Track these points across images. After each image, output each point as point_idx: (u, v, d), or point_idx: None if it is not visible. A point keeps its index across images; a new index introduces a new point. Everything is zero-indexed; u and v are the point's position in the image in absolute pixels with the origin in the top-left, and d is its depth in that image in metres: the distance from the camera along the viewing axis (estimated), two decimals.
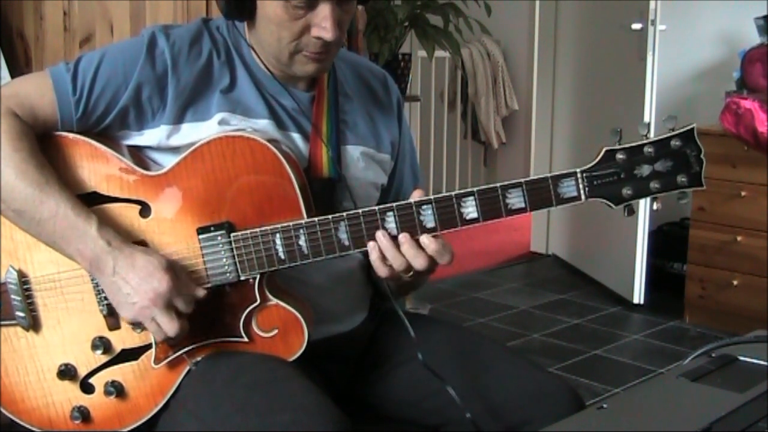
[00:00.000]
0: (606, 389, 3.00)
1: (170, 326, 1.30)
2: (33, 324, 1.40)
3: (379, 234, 1.29)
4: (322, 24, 1.34)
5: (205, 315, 1.34)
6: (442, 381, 1.35)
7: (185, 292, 1.31)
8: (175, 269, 1.31)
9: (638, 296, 3.90)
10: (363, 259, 1.51)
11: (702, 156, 1.24)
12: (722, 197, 3.51)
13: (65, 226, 1.32)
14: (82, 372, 1.40)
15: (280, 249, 1.32)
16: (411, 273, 1.31)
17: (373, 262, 1.31)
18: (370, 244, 1.30)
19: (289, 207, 1.33)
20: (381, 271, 1.31)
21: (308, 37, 1.36)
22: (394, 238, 1.29)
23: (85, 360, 1.40)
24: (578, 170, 1.26)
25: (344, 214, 1.31)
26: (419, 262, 1.29)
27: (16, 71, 2.32)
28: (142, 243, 1.35)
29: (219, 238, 1.34)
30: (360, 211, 1.31)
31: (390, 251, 1.29)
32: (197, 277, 1.35)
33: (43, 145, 1.37)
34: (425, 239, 1.29)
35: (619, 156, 1.25)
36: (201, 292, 1.32)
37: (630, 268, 3.89)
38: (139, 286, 1.29)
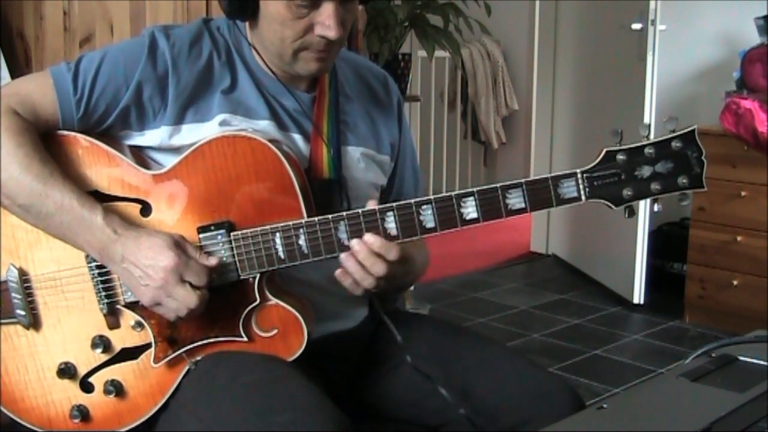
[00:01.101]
0: (606, 389, 3.00)
1: (189, 299, 1.29)
2: (33, 322, 1.40)
3: (343, 256, 1.30)
4: (326, 23, 1.34)
5: (205, 314, 1.33)
6: (432, 381, 1.35)
7: (195, 263, 1.30)
8: (181, 244, 1.31)
9: (638, 296, 3.90)
10: None
11: (703, 157, 1.24)
12: (722, 197, 3.51)
13: (71, 218, 1.32)
14: (82, 371, 1.40)
15: (280, 248, 1.32)
16: (379, 284, 1.31)
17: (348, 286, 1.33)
18: (339, 272, 1.31)
19: (289, 207, 1.33)
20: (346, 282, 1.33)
21: (312, 35, 1.36)
22: (347, 248, 1.30)
23: (85, 359, 1.40)
24: (578, 171, 1.26)
25: (344, 213, 1.31)
26: (378, 269, 1.29)
27: (16, 71, 2.32)
28: None
29: (219, 237, 1.34)
30: (360, 210, 1.31)
31: (348, 262, 1.30)
32: None
33: (45, 144, 1.37)
34: (368, 237, 1.29)
35: (620, 157, 1.25)
36: (212, 261, 1.32)
37: (630, 268, 3.89)
38: (148, 267, 1.29)
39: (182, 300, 1.29)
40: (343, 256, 1.30)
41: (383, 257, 1.29)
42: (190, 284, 1.30)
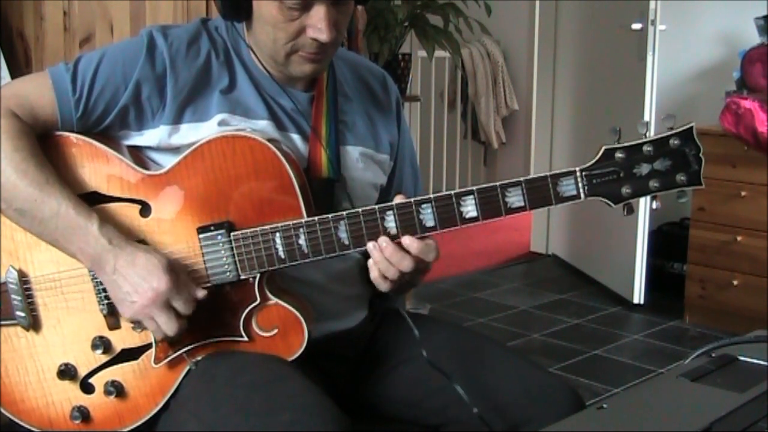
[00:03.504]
0: (606, 389, 3.00)
1: (169, 326, 1.30)
2: (33, 324, 1.40)
3: (370, 245, 1.30)
4: (318, 25, 1.34)
5: (205, 314, 1.34)
6: (449, 379, 1.35)
7: (185, 292, 1.31)
8: (175, 269, 1.31)
9: (638, 296, 3.90)
10: (361, 258, 1.51)
11: (701, 155, 1.24)
12: (722, 197, 3.51)
13: (67, 225, 1.32)
14: (82, 372, 1.40)
15: (280, 248, 1.32)
16: (402, 276, 1.32)
17: (374, 279, 1.33)
18: (371, 263, 1.31)
19: (289, 206, 1.33)
20: (380, 284, 1.33)
21: (304, 37, 1.36)
22: (347, 247, 1.31)
23: (85, 360, 1.40)
24: (577, 169, 1.26)
25: (344, 213, 1.31)
26: (405, 264, 1.30)
27: (16, 71, 2.32)
28: (142, 242, 1.35)
29: (219, 237, 1.34)
30: (360, 210, 1.31)
31: (377, 256, 1.30)
32: (197, 276, 1.35)
33: (44, 145, 1.37)
34: (407, 240, 1.30)
35: (618, 155, 1.25)
36: (200, 293, 1.32)
37: (630, 268, 3.89)
38: (139, 285, 1.29)
39: (162, 325, 1.30)
40: (371, 246, 1.30)
41: (422, 259, 1.31)
42: (175, 311, 1.30)
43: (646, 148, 1.25)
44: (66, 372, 1.40)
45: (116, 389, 1.38)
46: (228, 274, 1.34)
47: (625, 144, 1.25)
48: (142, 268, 1.30)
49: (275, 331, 1.35)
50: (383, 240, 1.30)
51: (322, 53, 1.39)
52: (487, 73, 5.61)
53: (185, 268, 1.34)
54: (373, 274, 1.33)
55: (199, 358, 1.37)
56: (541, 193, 1.27)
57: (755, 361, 1.13)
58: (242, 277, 1.34)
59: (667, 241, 4.01)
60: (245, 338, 1.35)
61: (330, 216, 1.31)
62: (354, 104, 1.52)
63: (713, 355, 1.15)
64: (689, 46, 4.17)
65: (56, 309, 1.40)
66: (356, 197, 1.44)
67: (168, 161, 1.38)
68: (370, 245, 1.30)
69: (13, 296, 1.39)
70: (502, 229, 5.15)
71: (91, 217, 1.32)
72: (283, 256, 1.33)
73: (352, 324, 1.52)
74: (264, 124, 1.42)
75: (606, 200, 1.27)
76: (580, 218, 4.49)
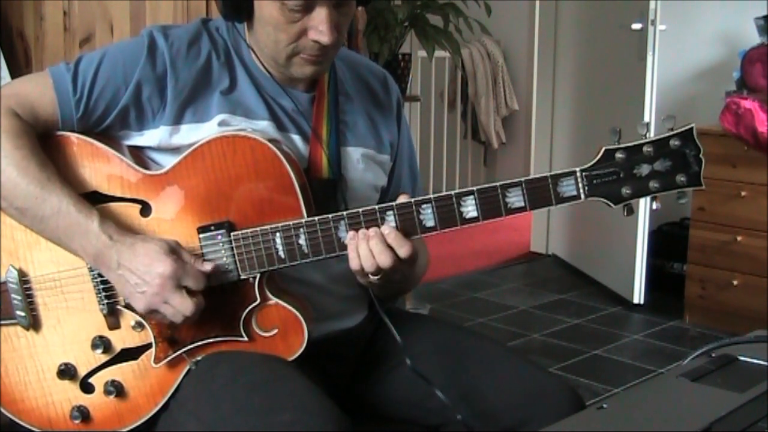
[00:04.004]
0: (606, 389, 3.00)
1: (185, 305, 1.29)
2: (33, 323, 1.40)
3: (350, 234, 1.30)
4: (319, 27, 1.34)
5: (206, 314, 1.33)
6: (430, 384, 1.35)
7: (191, 269, 1.31)
8: (176, 250, 1.31)
9: (638, 296, 3.90)
10: None
11: (701, 156, 1.24)
12: (722, 197, 3.51)
13: (68, 223, 1.32)
14: (82, 371, 1.40)
15: (280, 248, 1.32)
16: (380, 274, 1.31)
17: (354, 269, 1.32)
18: (350, 251, 1.30)
19: (289, 206, 1.33)
20: (354, 263, 1.31)
21: (306, 39, 1.36)
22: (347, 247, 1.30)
23: (85, 359, 1.40)
24: (578, 169, 1.26)
25: (344, 213, 1.31)
26: (384, 259, 1.28)
27: (16, 71, 2.33)
28: None
29: (219, 237, 1.34)
30: (360, 210, 1.31)
31: (361, 246, 1.29)
32: None
33: (45, 145, 1.37)
34: (385, 228, 1.29)
35: (619, 155, 1.25)
36: (208, 267, 1.32)
37: (630, 268, 3.89)
38: (145, 274, 1.29)
39: (178, 306, 1.29)
40: (351, 235, 1.30)
41: (393, 251, 1.29)
42: (187, 290, 1.30)
43: (646, 149, 1.25)
44: (66, 372, 1.40)
45: (116, 389, 1.38)
46: (228, 274, 1.34)
47: (625, 144, 1.26)
48: (144, 256, 1.30)
49: (275, 331, 1.35)
50: (372, 230, 1.29)
51: (324, 55, 1.39)
52: (487, 73, 5.61)
53: (187, 249, 1.33)
54: (353, 264, 1.31)
55: (199, 358, 1.37)
56: (541, 193, 1.27)
57: (755, 361, 1.13)
58: (242, 276, 1.34)
59: (667, 241, 4.01)
60: (245, 338, 1.35)
61: (330, 216, 1.31)
62: (355, 104, 1.52)
63: (713, 355, 1.15)
64: (689, 46, 4.17)
65: (56, 309, 1.40)
66: (357, 198, 1.44)
67: (168, 161, 1.38)
68: (350, 234, 1.29)
69: (13, 296, 1.39)
70: (502, 229, 5.14)
71: (92, 215, 1.33)
72: (283, 256, 1.33)
73: (352, 324, 1.52)
74: (264, 125, 1.42)
75: (606, 201, 1.27)
76: (580, 218, 4.49)
